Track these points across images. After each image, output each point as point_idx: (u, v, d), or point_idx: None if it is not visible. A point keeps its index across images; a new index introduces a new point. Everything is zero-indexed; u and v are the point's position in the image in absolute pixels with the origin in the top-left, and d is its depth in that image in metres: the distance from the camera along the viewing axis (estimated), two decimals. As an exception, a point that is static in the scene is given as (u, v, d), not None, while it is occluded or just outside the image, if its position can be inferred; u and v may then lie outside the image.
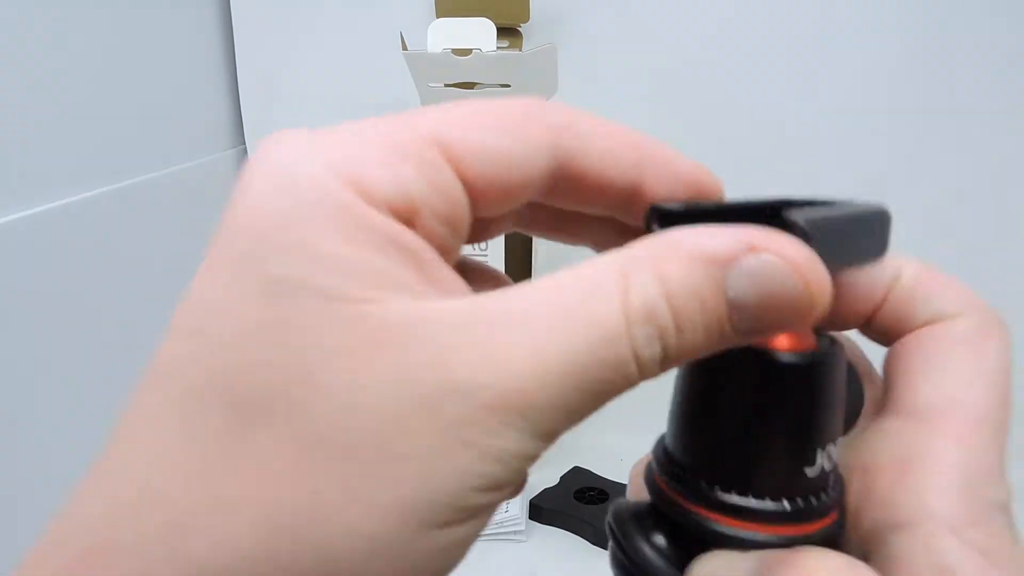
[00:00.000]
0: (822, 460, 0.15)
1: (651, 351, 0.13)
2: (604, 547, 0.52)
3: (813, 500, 0.15)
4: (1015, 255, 0.58)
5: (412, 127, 0.15)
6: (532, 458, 0.13)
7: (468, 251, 0.56)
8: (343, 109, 0.62)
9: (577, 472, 0.58)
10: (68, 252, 0.45)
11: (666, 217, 0.16)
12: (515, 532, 0.52)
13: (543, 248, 0.61)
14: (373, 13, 0.59)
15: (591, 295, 0.14)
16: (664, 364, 0.14)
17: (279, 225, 0.14)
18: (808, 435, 0.15)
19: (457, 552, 0.13)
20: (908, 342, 0.18)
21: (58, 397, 0.45)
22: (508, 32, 0.53)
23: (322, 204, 0.13)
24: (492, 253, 0.53)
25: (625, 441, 0.61)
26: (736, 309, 0.14)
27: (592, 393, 0.14)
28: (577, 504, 0.54)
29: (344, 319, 0.13)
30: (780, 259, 0.13)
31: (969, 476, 0.15)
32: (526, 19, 0.53)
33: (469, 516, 0.13)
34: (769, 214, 0.14)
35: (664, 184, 0.16)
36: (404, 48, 0.47)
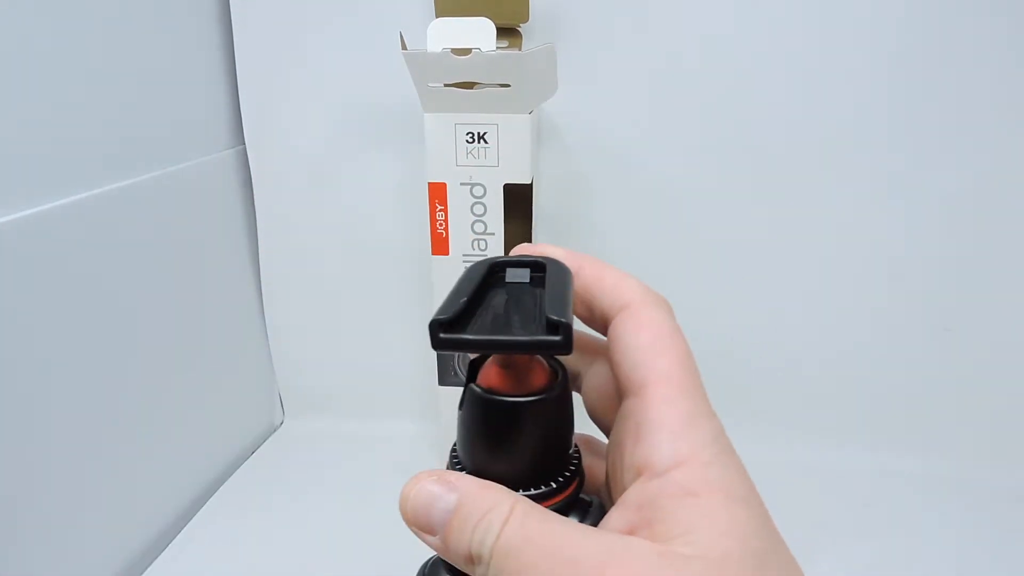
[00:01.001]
0: (572, 451, 0.24)
1: None
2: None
3: (559, 480, 0.23)
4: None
5: None
6: None
7: (468, 251, 0.56)
8: (343, 109, 0.62)
9: (577, 472, 0.58)
10: (68, 252, 0.45)
11: (442, 327, 0.21)
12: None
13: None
14: (373, 13, 0.59)
15: None
16: None
17: None
18: (565, 440, 0.23)
19: None
20: (612, 336, 0.23)
21: (58, 397, 0.45)
22: (508, 32, 0.53)
23: None
24: (492, 254, 0.53)
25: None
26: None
27: None
28: (577, 504, 0.54)
29: None
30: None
31: (676, 425, 0.21)
32: (526, 19, 0.52)
33: None
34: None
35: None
36: (403, 48, 0.47)
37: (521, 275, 0.25)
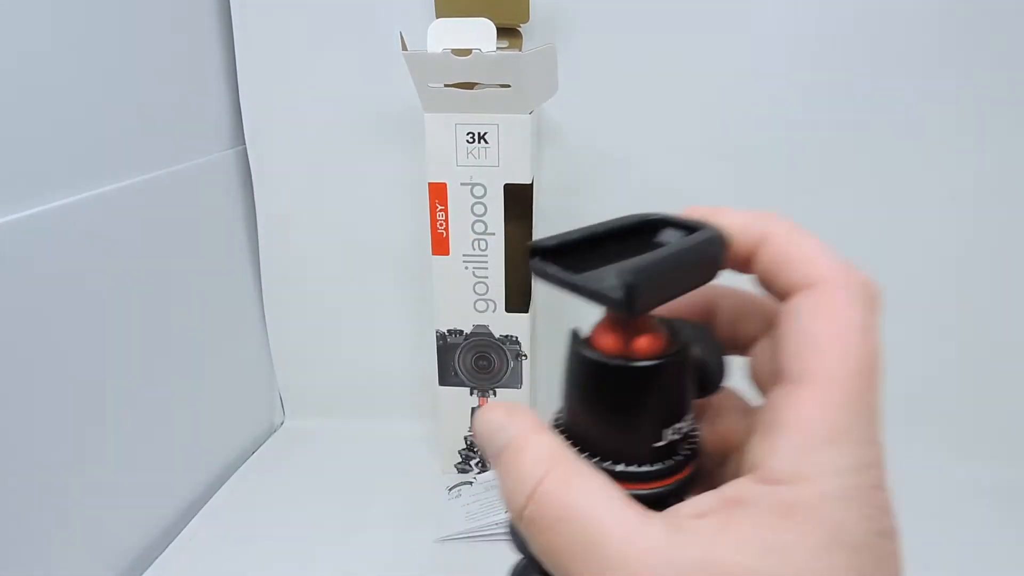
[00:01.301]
0: (670, 437, 0.20)
1: None
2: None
3: (665, 463, 0.20)
4: None
5: None
6: None
7: (468, 251, 0.56)
8: (343, 109, 0.62)
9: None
10: (68, 252, 0.45)
11: (538, 252, 0.20)
12: (515, 532, 0.52)
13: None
14: (373, 13, 0.59)
15: None
16: None
17: None
18: (653, 419, 0.20)
19: None
20: (785, 310, 0.20)
21: (58, 397, 0.45)
22: (508, 32, 0.53)
23: None
24: (492, 254, 0.53)
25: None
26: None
27: None
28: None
29: None
30: None
31: (814, 436, 0.18)
32: (526, 19, 0.52)
33: None
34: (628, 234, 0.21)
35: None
36: (404, 48, 0.47)
37: (669, 236, 0.22)
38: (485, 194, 0.52)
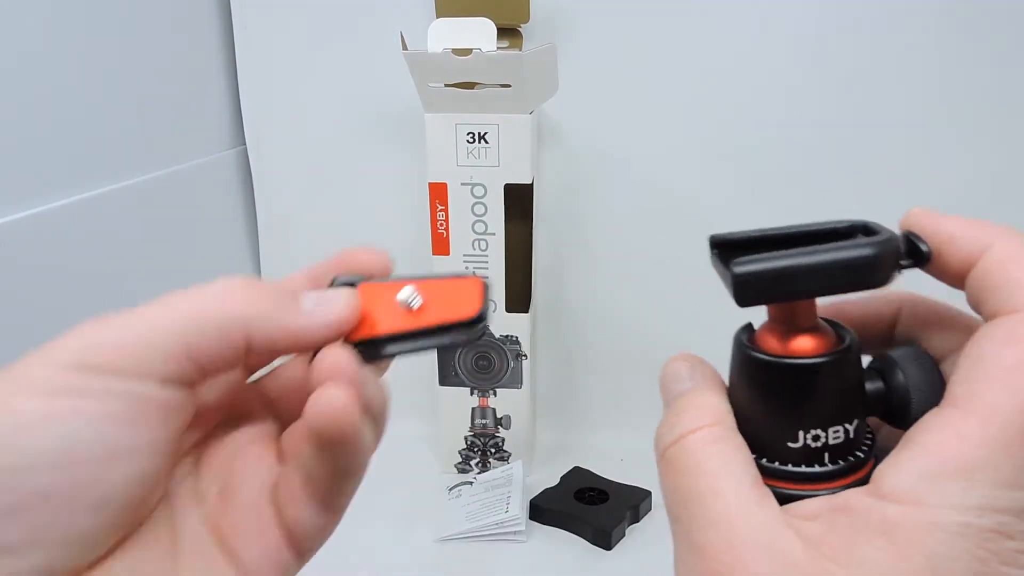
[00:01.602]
0: (806, 440, 0.20)
1: None
2: (604, 547, 0.52)
3: (802, 468, 0.20)
4: None
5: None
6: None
7: (468, 251, 0.57)
8: (343, 109, 0.62)
9: (577, 472, 0.58)
10: (68, 252, 0.45)
11: (719, 245, 0.21)
12: (515, 532, 0.52)
13: (542, 249, 0.61)
14: (373, 13, 0.59)
15: None
16: None
17: None
18: (786, 418, 0.20)
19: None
20: (984, 331, 0.18)
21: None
22: (508, 32, 0.53)
23: None
24: (492, 254, 0.53)
25: (625, 441, 0.61)
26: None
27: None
28: (577, 504, 0.54)
29: None
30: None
31: (942, 461, 0.17)
32: (526, 19, 0.52)
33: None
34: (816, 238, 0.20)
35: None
36: (404, 48, 0.47)
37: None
38: (485, 194, 0.52)
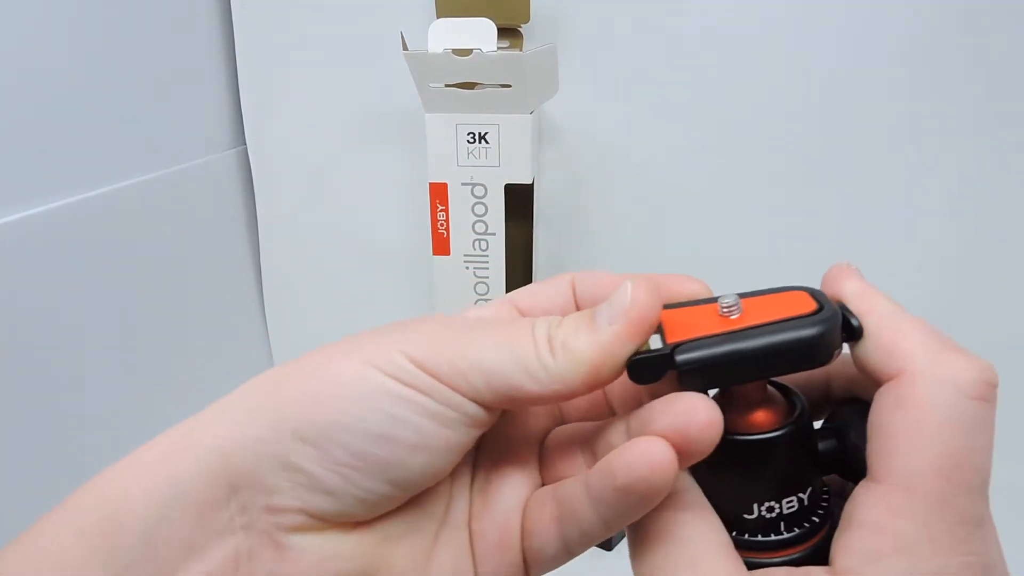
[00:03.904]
0: (760, 511, 0.20)
1: None
2: (604, 547, 0.52)
3: (761, 537, 0.20)
4: None
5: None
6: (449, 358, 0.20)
7: (469, 251, 0.56)
8: (343, 109, 0.62)
9: (577, 472, 0.58)
10: (68, 252, 0.45)
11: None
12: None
13: (543, 249, 0.61)
14: (373, 13, 0.59)
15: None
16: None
17: None
18: (739, 491, 0.21)
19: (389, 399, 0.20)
20: (876, 400, 0.19)
21: (57, 397, 0.45)
22: (508, 32, 0.53)
23: None
24: (492, 254, 0.53)
25: (625, 441, 0.61)
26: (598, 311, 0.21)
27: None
28: (577, 504, 0.54)
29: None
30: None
31: (879, 544, 0.17)
32: (526, 19, 0.53)
33: (404, 378, 0.20)
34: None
35: (592, 290, 0.24)
36: (404, 48, 0.47)
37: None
38: (486, 194, 0.52)
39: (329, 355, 0.21)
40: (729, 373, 0.19)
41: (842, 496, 0.20)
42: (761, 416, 0.21)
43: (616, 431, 0.21)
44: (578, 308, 0.24)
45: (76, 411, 0.46)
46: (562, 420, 0.25)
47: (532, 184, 0.52)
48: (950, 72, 0.55)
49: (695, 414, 0.18)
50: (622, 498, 0.19)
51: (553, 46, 0.50)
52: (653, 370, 0.20)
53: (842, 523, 0.19)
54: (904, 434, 0.18)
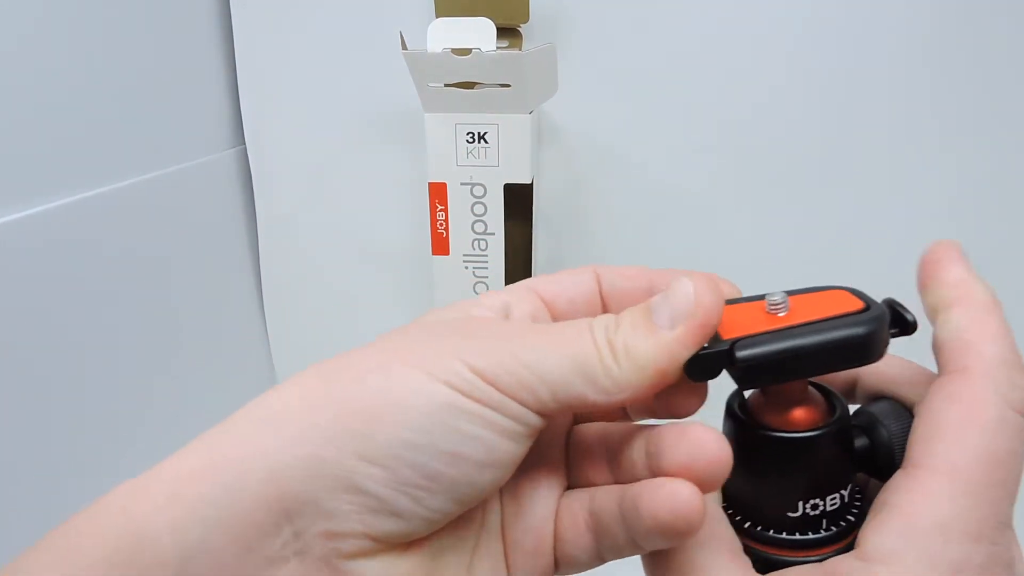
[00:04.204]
0: (804, 509, 0.21)
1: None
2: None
3: (802, 535, 0.21)
4: None
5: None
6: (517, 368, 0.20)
7: (468, 251, 0.56)
8: (343, 109, 0.62)
9: (577, 472, 0.58)
10: (68, 252, 0.45)
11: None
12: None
13: (542, 249, 0.61)
14: (373, 12, 0.59)
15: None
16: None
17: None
18: (784, 489, 0.21)
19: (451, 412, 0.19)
20: (933, 391, 0.20)
21: (57, 397, 0.45)
22: (508, 32, 0.53)
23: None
24: (492, 254, 0.53)
25: (625, 441, 0.61)
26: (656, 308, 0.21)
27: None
28: (577, 504, 0.54)
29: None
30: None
31: (914, 524, 0.18)
32: (526, 19, 0.52)
33: (466, 389, 0.19)
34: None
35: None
36: (404, 48, 0.47)
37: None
38: (485, 194, 0.52)
39: (384, 362, 0.20)
40: (785, 369, 0.19)
41: (863, 495, 0.21)
42: (805, 414, 0.21)
43: (638, 447, 0.21)
44: (604, 301, 0.24)
45: (75, 411, 0.46)
46: (578, 418, 0.24)
47: (532, 184, 0.52)
48: (950, 72, 0.55)
49: (706, 447, 0.19)
50: (648, 534, 0.19)
51: (552, 46, 0.50)
52: (711, 368, 0.20)
53: (873, 509, 0.19)
54: (955, 425, 0.18)
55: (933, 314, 0.21)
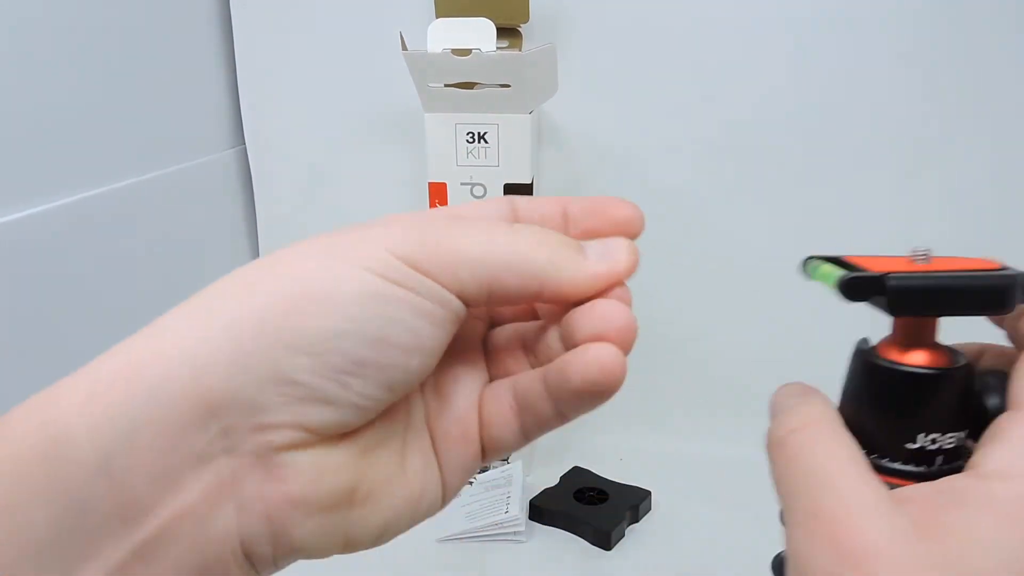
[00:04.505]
0: (923, 442, 0.22)
1: None
2: (604, 547, 0.52)
3: (917, 467, 0.22)
4: None
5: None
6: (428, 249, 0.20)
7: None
8: (343, 109, 0.62)
9: (577, 472, 0.58)
10: (68, 252, 0.45)
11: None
12: (515, 532, 0.52)
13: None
14: (373, 13, 0.59)
15: None
16: None
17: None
18: (908, 421, 0.22)
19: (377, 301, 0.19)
20: (1022, 359, 0.22)
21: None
22: (508, 32, 0.53)
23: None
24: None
25: (625, 441, 0.61)
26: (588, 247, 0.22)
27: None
28: (577, 504, 0.54)
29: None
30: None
31: (1021, 450, 0.19)
32: (526, 19, 0.53)
33: (390, 275, 0.19)
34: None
35: (582, 210, 0.23)
36: (404, 48, 0.47)
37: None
38: (485, 194, 0.52)
39: (307, 254, 0.20)
40: (929, 302, 0.22)
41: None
42: (931, 357, 0.23)
43: (552, 335, 0.22)
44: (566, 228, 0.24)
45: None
46: (493, 323, 0.25)
47: (531, 184, 0.52)
48: (950, 72, 0.55)
49: (613, 320, 0.20)
50: (578, 397, 0.21)
51: (552, 46, 0.50)
52: (865, 289, 0.22)
53: (982, 441, 0.20)
54: None
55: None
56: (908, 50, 0.55)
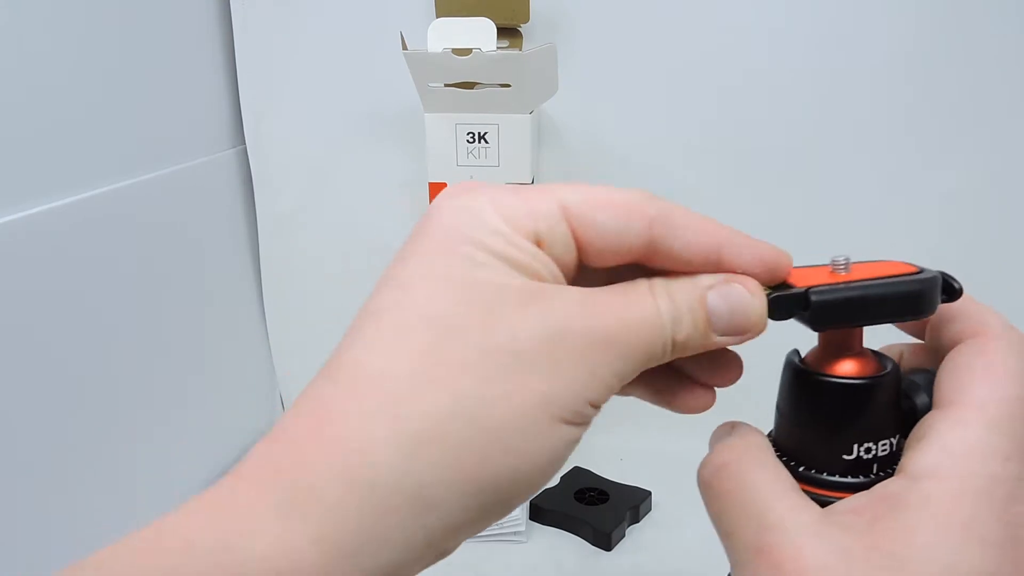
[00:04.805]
0: (859, 452, 0.23)
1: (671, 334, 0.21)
2: (604, 547, 0.52)
3: (854, 478, 0.22)
4: None
5: (548, 192, 0.21)
6: (614, 389, 0.21)
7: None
8: (343, 109, 0.62)
9: (577, 472, 0.58)
10: (68, 252, 0.45)
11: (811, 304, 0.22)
12: (515, 533, 0.52)
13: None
14: (373, 13, 0.59)
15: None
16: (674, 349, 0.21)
17: (465, 233, 0.20)
18: (842, 433, 0.23)
19: (569, 446, 0.20)
20: (958, 350, 0.23)
21: (57, 397, 0.45)
22: (508, 32, 0.53)
23: (487, 225, 0.20)
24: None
25: (625, 441, 0.61)
26: (714, 315, 0.21)
27: (639, 360, 0.21)
28: (577, 504, 0.54)
29: (508, 284, 0.20)
30: (743, 287, 0.21)
31: (954, 443, 0.20)
32: (526, 19, 0.53)
33: (580, 421, 0.20)
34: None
35: (739, 261, 0.22)
36: (404, 48, 0.47)
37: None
38: (485, 194, 0.52)
39: (523, 410, 0.19)
40: (850, 314, 0.22)
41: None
42: (860, 366, 0.23)
43: None
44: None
45: (75, 409, 0.46)
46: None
47: (531, 184, 0.52)
48: (950, 72, 0.55)
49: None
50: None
51: (552, 46, 0.50)
52: (788, 308, 0.22)
53: (910, 442, 0.21)
54: (982, 371, 0.21)
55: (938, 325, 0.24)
56: (908, 50, 0.55)
